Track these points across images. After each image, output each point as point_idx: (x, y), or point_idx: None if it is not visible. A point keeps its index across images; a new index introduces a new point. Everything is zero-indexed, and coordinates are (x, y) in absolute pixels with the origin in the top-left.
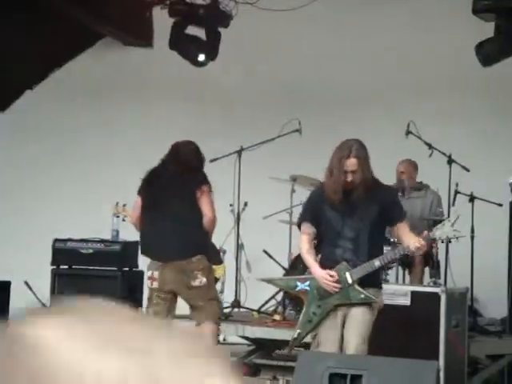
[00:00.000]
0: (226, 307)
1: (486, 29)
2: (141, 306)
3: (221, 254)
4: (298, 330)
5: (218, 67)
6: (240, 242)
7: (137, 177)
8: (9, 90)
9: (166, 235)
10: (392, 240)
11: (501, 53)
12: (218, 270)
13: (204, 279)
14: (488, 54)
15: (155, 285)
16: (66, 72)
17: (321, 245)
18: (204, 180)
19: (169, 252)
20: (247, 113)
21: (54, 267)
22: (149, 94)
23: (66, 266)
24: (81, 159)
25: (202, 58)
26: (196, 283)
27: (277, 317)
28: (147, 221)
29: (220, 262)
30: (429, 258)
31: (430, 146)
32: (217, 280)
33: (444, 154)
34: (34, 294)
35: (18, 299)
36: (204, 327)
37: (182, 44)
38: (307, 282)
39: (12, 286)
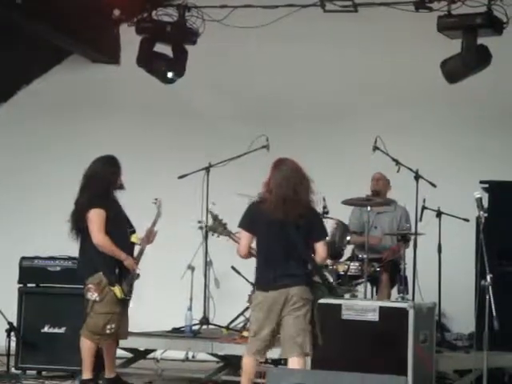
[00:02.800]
0: (195, 324)
1: (453, 44)
2: None
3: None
4: None
5: (185, 84)
6: (208, 258)
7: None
8: None
9: None
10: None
11: (466, 69)
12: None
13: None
14: (453, 71)
15: None
16: (34, 89)
17: None
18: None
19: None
20: (215, 129)
21: (21, 285)
22: (116, 110)
23: (33, 285)
24: (47, 176)
25: (170, 75)
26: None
27: (246, 333)
28: None
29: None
30: (396, 274)
31: (397, 162)
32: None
33: (411, 169)
34: (1, 312)
35: None
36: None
37: (149, 61)
38: None
39: None
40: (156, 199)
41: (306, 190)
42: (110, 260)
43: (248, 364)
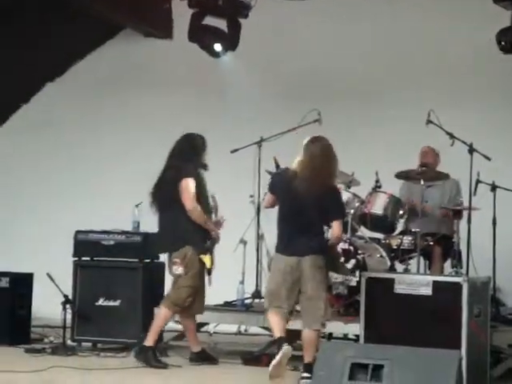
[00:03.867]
0: (247, 298)
1: (503, 16)
2: (161, 296)
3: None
4: None
5: (237, 58)
6: (260, 232)
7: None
8: (31, 82)
9: None
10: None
11: None
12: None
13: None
14: (508, 41)
15: None
16: (87, 64)
17: None
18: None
19: None
20: (267, 103)
21: (76, 259)
22: (169, 85)
23: (87, 258)
24: (103, 151)
25: (218, 48)
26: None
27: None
28: None
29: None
30: (450, 248)
31: (451, 136)
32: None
33: (465, 143)
34: (57, 285)
35: (41, 291)
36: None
37: (200, 35)
38: None
39: (35, 278)
40: (213, 196)
41: (330, 170)
42: (201, 231)
43: (271, 317)
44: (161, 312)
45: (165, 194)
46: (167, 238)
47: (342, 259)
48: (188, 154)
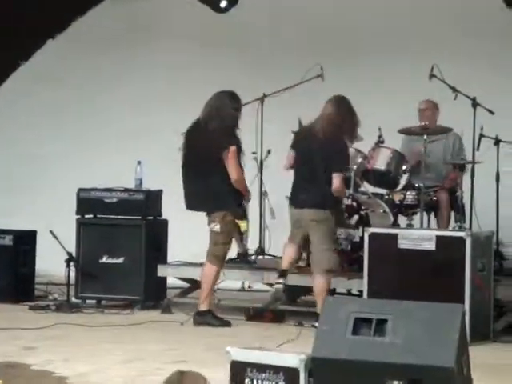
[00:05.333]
0: (251, 254)
1: None
2: (165, 253)
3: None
4: None
5: (238, 13)
6: (263, 189)
7: (160, 125)
8: (30, 39)
9: None
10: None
11: None
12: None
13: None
14: None
15: None
16: (89, 20)
17: None
18: None
19: None
20: (269, 59)
21: (79, 216)
22: (170, 41)
23: (90, 216)
24: (105, 108)
25: (223, 3)
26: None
27: (301, 263)
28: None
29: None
30: (454, 202)
31: (454, 90)
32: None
33: (468, 97)
34: (60, 243)
35: (44, 248)
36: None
37: None
38: None
39: (38, 236)
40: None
41: (339, 122)
42: (239, 196)
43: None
44: (206, 270)
45: (204, 157)
46: (205, 199)
47: (346, 215)
48: (230, 117)
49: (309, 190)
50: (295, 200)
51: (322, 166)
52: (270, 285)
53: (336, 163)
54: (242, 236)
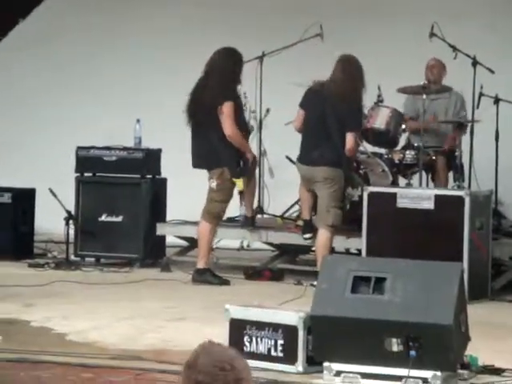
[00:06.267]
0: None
1: None
2: (164, 212)
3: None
4: None
5: None
6: (262, 148)
7: (159, 85)
8: None
9: None
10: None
11: None
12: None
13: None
14: None
15: None
16: None
17: None
18: None
19: None
20: (268, 18)
21: (78, 175)
22: (166, 2)
23: (89, 174)
24: (103, 67)
25: None
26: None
27: (300, 222)
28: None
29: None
30: (452, 162)
31: (454, 49)
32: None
33: (468, 56)
34: (59, 201)
35: (43, 206)
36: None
37: None
38: None
39: (37, 194)
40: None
41: (352, 81)
42: (236, 153)
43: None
44: (201, 227)
45: (203, 113)
46: (205, 156)
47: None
48: (230, 72)
49: (323, 147)
50: (307, 157)
51: (336, 125)
52: (269, 244)
53: (351, 122)
54: (240, 195)
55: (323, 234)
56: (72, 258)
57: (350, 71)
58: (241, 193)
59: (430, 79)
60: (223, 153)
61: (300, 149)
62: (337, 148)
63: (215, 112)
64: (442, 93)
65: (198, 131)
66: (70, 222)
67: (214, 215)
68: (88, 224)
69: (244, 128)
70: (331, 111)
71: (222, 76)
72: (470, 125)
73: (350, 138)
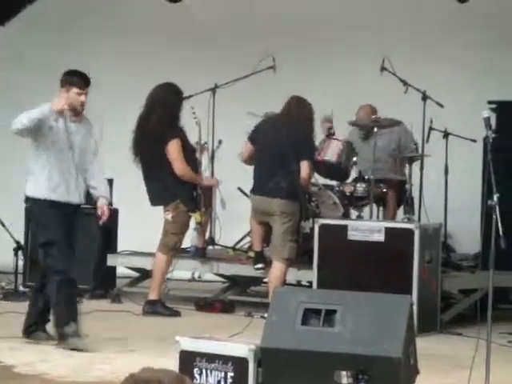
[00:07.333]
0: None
1: None
2: (115, 242)
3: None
4: None
5: (192, 3)
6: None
7: (110, 114)
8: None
9: None
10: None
11: None
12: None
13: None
14: None
15: None
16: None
17: None
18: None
19: None
20: (221, 50)
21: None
22: (122, 28)
23: None
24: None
25: None
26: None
27: (251, 253)
28: None
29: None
30: (402, 195)
31: (404, 83)
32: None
33: (419, 90)
34: (8, 231)
35: None
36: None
37: None
38: None
39: None
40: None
41: (304, 114)
42: (189, 187)
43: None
44: (157, 259)
45: (150, 152)
46: (160, 194)
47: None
48: (171, 107)
49: (278, 177)
50: (262, 188)
51: (291, 155)
52: (220, 275)
53: (306, 151)
54: (200, 228)
55: (277, 267)
56: (21, 288)
57: (303, 105)
58: (199, 224)
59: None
60: (176, 188)
61: (254, 180)
62: (293, 178)
63: (162, 148)
64: (389, 127)
65: (149, 171)
66: (19, 252)
67: (170, 247)
68: (37, 254)
69: (192, 160)
70: (285, 141)
71: (164, 111)
72: (420, 159)
73: (305, 166)
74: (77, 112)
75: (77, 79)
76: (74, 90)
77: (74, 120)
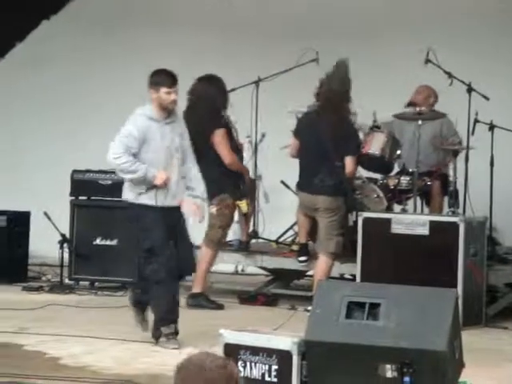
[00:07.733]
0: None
1: None
2: None
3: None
4: None
5: None
6: (258, 173)
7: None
8: (26, 19)
9: None
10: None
11: None
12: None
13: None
14: None
15: None
16: (83, 2)
17: None
18: None
19: None
20: (265, 43)
21: (73, 198)
22: (167, 24)
23: (84, 197)
24: (99, 89)
25: None
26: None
27: (295, 247)
28: None
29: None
30: (447, 188)
31: (449, 75)
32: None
33: (463, 82)
34: (54, 224)
35: (38, 230)
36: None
37: None
38: None
39: (31, 217)
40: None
41: (348, 109)
42: (236, 177)
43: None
44: (202, 252)
45: (195, 146)
46: (206, 186)
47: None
48: (217, 100)
49: (323, 173)
50: (307, 184)
51: (335, 150)
52: (264, 268)
53: (349, 146)
54: (246, 218)
55: (324, 261)
56: (66, 281)
57: (343, 98)
58: (245, 215)
59: (411, 102)
60: (223, 179)
61: (299, 176)
62: (337, 174)
63: (207, 141)
64: (433, 120)
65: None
66: (65, 245)
67: (215, 241)
68: (82, 247)
69: (238, 151)
70: (328, 136)
71: (207, 105)
72: (465, 151)
73: (349, 162)
74: (169, 111)
75: (164, 78)
76: (164, 89)
77: (167, 122)
